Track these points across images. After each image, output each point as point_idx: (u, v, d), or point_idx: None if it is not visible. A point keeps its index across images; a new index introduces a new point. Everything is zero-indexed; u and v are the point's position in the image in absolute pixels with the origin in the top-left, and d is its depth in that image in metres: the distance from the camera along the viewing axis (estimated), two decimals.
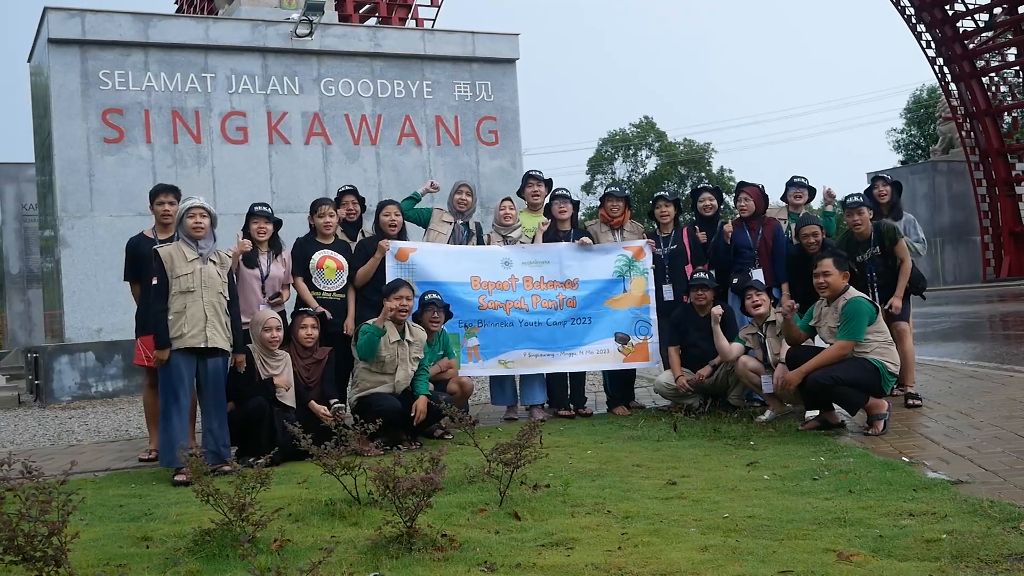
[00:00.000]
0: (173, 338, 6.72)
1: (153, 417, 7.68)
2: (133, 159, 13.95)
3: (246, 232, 7.80)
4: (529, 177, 9.34)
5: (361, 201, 8.84)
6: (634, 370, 9.30)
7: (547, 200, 9.29)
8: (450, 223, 8.94)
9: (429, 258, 8.59)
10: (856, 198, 8.46)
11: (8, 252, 23.28)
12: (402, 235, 8.64)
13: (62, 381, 13.11)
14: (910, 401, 8.01)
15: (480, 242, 9.12)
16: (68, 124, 13.69)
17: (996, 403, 7.72)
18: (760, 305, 8.00)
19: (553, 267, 8.92)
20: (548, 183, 9.34)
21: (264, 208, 7.86)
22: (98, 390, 13.18)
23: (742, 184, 9.11)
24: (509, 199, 9.25)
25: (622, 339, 8.92)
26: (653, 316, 8.94)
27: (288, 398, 7.33)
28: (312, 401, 7.39)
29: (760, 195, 8.95)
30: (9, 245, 23.30)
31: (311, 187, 14.54)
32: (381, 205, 8.78)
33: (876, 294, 8.10)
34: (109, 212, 13.60)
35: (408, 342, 7.67)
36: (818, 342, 7.64)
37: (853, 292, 7.28)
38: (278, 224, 7.90)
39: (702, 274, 8.71)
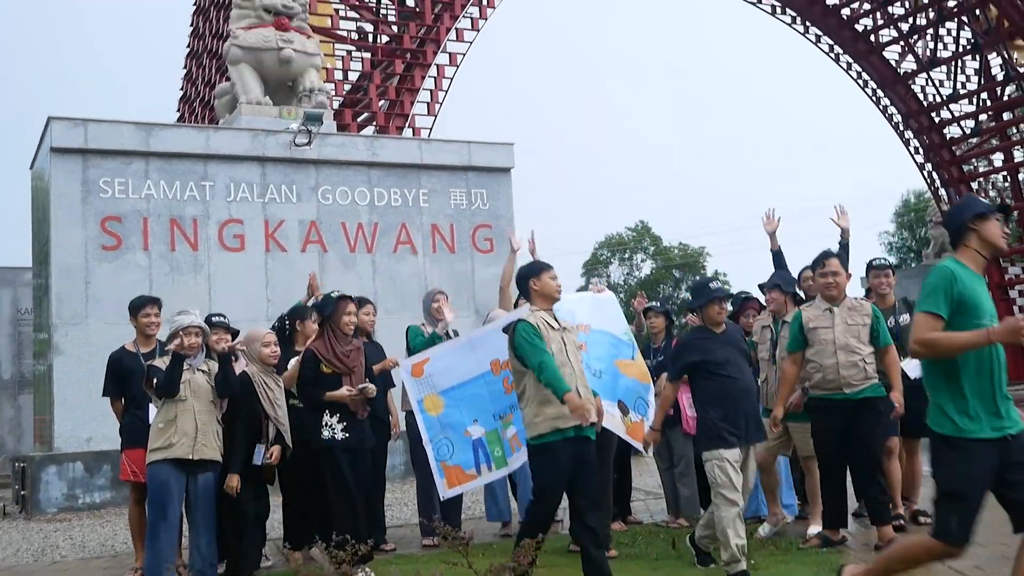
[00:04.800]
0: (161, 448, 6.63)
1: (139, 533, 7.53)
2: (130, 266, 13.98)
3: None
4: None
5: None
6: (630, 482, 9.16)
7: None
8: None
9: (445, 361, 8.05)
10: (882, 260, 8.33)
11: (1, 356, 23.18)
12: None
13: (49, 492, 12.91)
14: (920, 519, 7.84)
15: None
16: (67, 231, 13.76)
17: (1002, 519, 7.60)
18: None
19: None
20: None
21: (222, 319, 7.73)
22: (85, 501, 12.97)
23: (746, 299, 9.01)
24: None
25: (623, 409, 8.17)
26: (651, 398, 8.27)
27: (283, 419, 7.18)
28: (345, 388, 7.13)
29: (759, 309, 8.86)
30: (2, 349, 23.20)
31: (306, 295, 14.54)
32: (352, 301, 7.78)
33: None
34: (104, 319, 13.57)
35: None
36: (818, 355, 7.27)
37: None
38: (235, 335, 7.71)
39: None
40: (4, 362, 22.98)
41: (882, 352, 7.17)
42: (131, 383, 7.50)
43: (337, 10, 24.26)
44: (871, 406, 7.06)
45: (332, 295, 7.53)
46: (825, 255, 7.34)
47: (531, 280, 6.45)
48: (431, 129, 23.77)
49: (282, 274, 14.75)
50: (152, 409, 6.97)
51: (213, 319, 7.56)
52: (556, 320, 6.43)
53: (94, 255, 13.83)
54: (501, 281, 8.96)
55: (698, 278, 6.97)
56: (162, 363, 6.84)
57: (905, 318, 7.98)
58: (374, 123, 23.94)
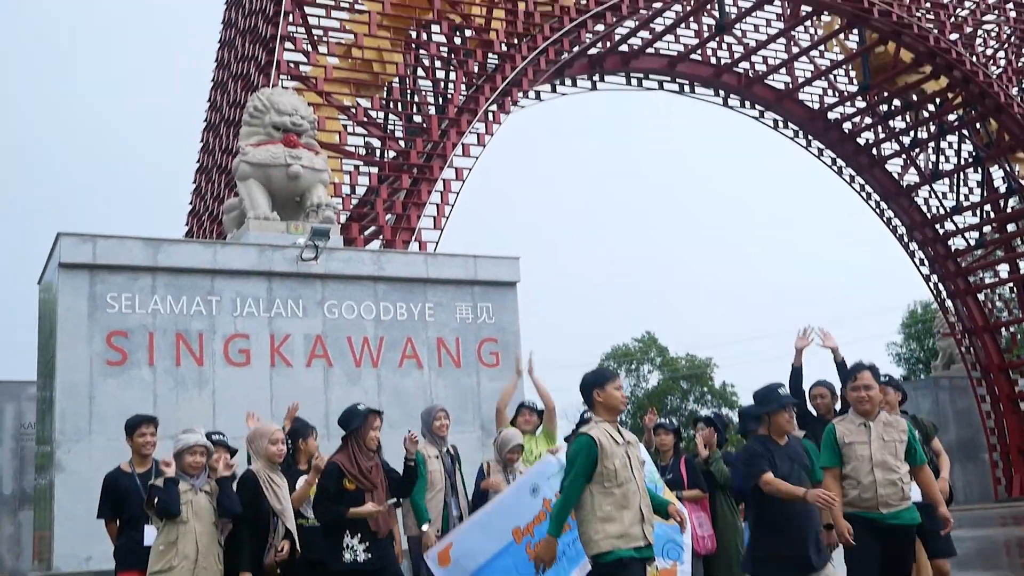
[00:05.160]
0: (161, 571, 6.50)
1: None
2: (135, 382, 13.93)
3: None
4: (522, 407, 9.43)
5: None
6: None
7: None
8: (437, 456, 8.85)
9: (468, 542, 7.80)
10: (886, 376, 7.92)
11: (2, 472, 22.98)
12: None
13: None
14: None
15: (461, 465, 9.00)
16: (73, 347, 13.74)
17: None
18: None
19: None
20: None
21: (221, 437, 7.67)
22: None
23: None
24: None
25: None
26: (687, 540, 7.91)
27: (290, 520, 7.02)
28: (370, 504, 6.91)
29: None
30: (4, 464, 23.02)
31: (312, 409, 14.42)
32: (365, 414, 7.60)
33: None
34: (107, 435, 13.46)
35: None
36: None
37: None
38: (233, 453, 7.61)
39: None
40: (5, 477, 22.77)
41: (917, 471, 6.80)
42: (126, 504, 7.40)
43: (345, 126, 24.68)
44: (906, 531, 6.72)
45: (359, 408, 7.40)
46: (857, 367, 6.98)
47: (595, 390, 6.10)
48: (437, 243, 23.97)
49: (287, 389, 14.66)
50: (148, 530, 6.87)
51: (213, 437, 7.49)
52: (621, 433, 6.08)
53: (99, 370, 13.79)
54: (499, 402, 8.93)
55: (763, 385, 6.41)
56: (162, 483, 6.75)
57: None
58: (381, 237, 24.14)
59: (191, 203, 28.70)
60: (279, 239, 15.77)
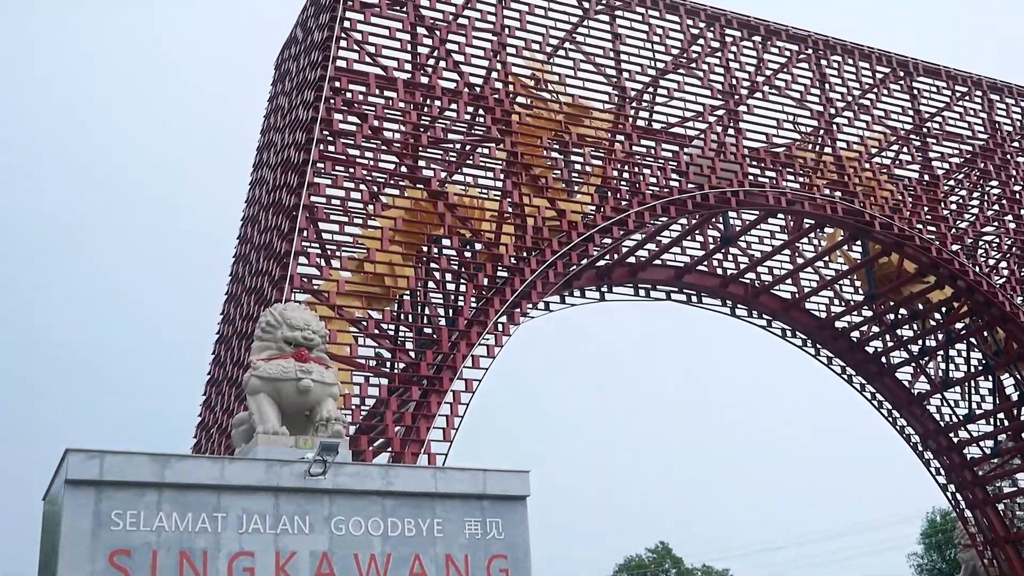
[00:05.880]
0: None
1: None
2: None
3: None
4: None
5: None
6: None
7: None
8: None
9: None
10: None
11: None
12: None
13: None
14: None
15: None
16: (74, 567, 13.51)
17: None
18: None
19: None
20: None
21: None
22: None
23: None
24: None
25: None
26: None
27: None
28: None
29: None
30: None
31: None
32: None
33: None
34: None
35: None
36: None
37: None
38: None
39: None
40: None
41: None
42: None
43: (356, 337, 24.92)
44: None
45: None
46: None
47: None
48: (446, 455, 23.79)
49: None
50: None
51: None
52: None
53: None
54: None
55: None
56: None
57: None
58: (389, 449, 24.00)
59: (200, 415, 28.69)
60: (287, 454, 15.70)
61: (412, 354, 25.79)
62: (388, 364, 25.78)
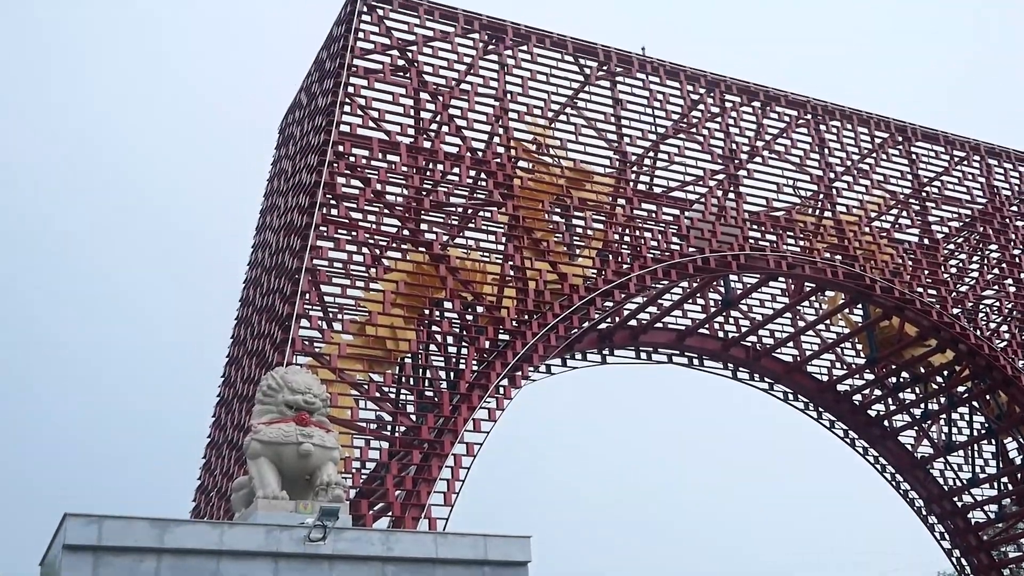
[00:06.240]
0: None
1: None
2: None
3: None
4: None
5: None
6: None
7: None
8: None
9: None
10: None
11: None
12: None
13: None
14: None
15: None
16: None
17: None
18: None
19: None
20: None
21: None
22: None
23: None
24: None
25: None
26: None
27: None
28: None
29: None
30: None
31: None
32: None
33: None
34: None
35: None
36: None
37: None
38: None
39: None
40: None
41: None
42: None
43: (357, 400, 24.89)
44: None
45: None
46: None
47: None
48: (447, 520, 23.63)
49: None
50: None
51: None
52: None
53: None
54: None
55: None
56: None
57: None
58: (390, 513, 23.85)
59: (200, 478, 28.57)
60: (287, 519, 15.59)
61: (413, 417, 25.74)
62: (389, 427, 25.73)
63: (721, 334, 35.45)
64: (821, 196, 33.67)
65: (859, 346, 37.75)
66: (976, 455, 37.89)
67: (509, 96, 29.42)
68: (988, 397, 36.79)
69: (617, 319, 33.12)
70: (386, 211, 26.64)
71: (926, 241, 35.33)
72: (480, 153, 28.44)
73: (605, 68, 31.41)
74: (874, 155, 35.50)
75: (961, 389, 37.08)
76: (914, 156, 36.53)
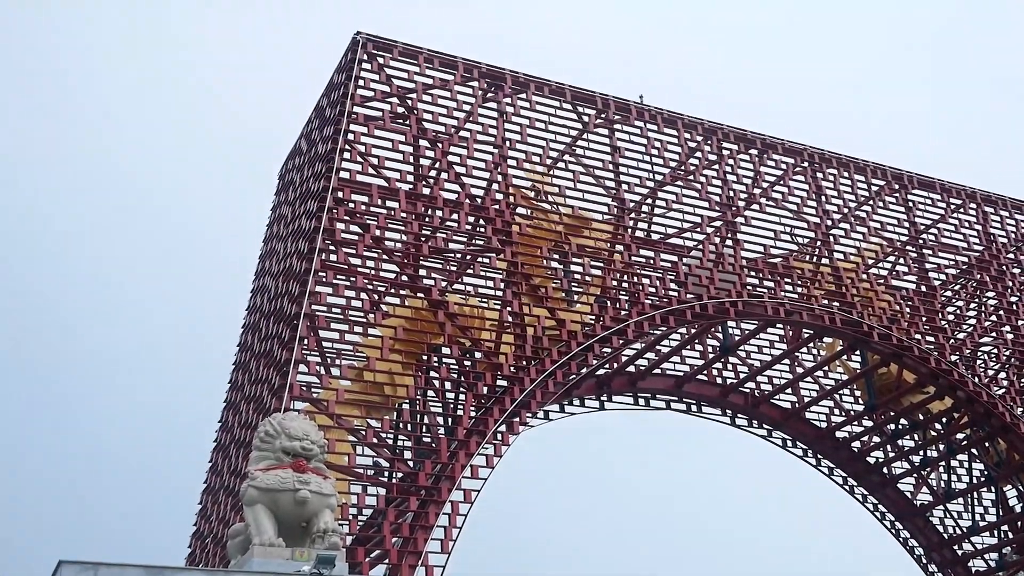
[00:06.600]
0: None
1: None
2: None
3: None
4: None
5: None
6: None
7: None
8: None
9: None
10: None
11: None
12: None
13: None
14: None
15: None
16: None
17: None
18: None
19: None
20: None
21: None
22: None
23: None
24: None
25: None
26: None
27: None
28: None
29: None
30: None
31: None
32: None
33: None
34: None
35: None
36: None
37: None
38: None
39: None
40: None
41: None
42: None
43: (354, 446, 24.81)
44: None
45: None
46: None
47: None
48: (444, 567, 23.45)
49: None
50: None
51: None
52: None
53: None
54: None
55: None
56: None
57: None
58: (387, 561, 23.68)
59: (195, 524, 28.39)
60: (283, 566, 15.53)
61: (411, 464, 25.64)
62: (386, 474, 25.63)
63: (719, 380, 35.38)
64: (818, 243, 33.78)
65: (857, 393, 37.65)
66: (976, 503, 37.69)
67: (508, 143, 29.62)
68: (987, 444, 36.64)
69: (615, 365, 33.05)
70: (385, 257, 26.73)
71: (923, 288, 35.36)
72: (479, 200, 28.58)
73: (603, 116, 31.64)
74: (871, 202, 35.64)
75: (960, 436, 36.93)
76: (911, 203, 36.67)
